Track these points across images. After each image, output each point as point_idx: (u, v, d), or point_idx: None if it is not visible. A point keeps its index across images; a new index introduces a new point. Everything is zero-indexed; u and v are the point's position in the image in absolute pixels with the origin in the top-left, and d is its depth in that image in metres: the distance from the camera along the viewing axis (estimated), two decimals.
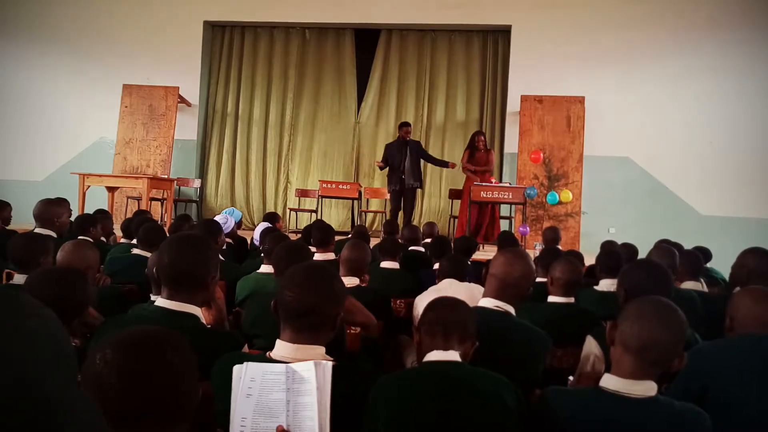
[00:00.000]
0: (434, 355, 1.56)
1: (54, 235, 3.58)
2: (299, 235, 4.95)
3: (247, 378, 1.27)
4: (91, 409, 0.64)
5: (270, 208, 8.64)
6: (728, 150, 7.78)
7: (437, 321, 1.60)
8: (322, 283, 1.51)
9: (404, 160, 7.21)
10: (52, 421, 0.57)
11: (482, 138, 7.27)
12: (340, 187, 7.58)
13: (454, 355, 1.55)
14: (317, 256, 3.36)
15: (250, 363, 1.32)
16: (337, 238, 3.84)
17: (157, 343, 0.96)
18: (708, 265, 4.19)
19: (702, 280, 3.30)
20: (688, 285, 3.10)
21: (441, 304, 1.67)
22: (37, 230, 3.56)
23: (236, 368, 1.32)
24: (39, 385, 0.57)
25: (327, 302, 1.49)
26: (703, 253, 3.89)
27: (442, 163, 7.61)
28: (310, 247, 3.09)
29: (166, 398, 0.92)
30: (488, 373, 1.52)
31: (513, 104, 8.17)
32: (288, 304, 1.48)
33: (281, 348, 1.48)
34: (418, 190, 7.72)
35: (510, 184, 7.45)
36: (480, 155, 7.18)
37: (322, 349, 1.49)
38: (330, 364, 1.33)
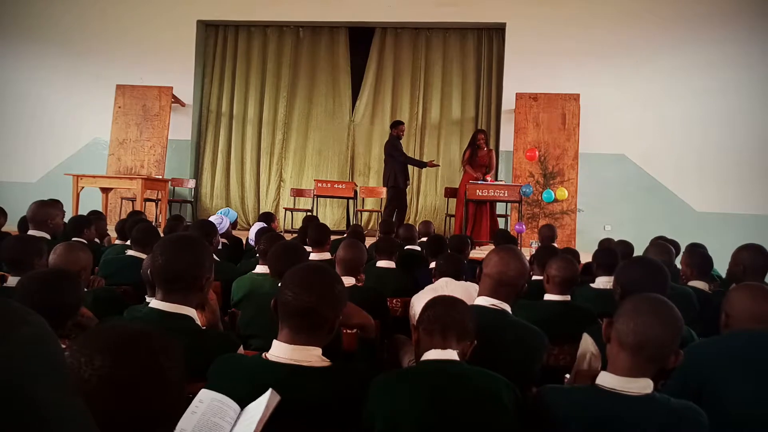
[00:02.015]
0: (432, 354, 1.55)
1: (48, 236, 3.56)
2: (294, 235, 4.94)
3: (197, 399, 1.29)
4: (83, 415, 0.63)
5: (265, 208, 8.63)
6: (724, 146, 7.79)
7: (435, 319, 1.59)
8: (323, 285, 1.50)
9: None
10: (43, 426, 0.56)
11: (483, 136, 7.28)
12: (336, 186, 7.57)
13: (451, 354, 1.55)
14: (313, 256, 3.35)
15: (204, 390, 1.34)
16: (332, 237, 3.84)
17: (150, 347, 0.89)
18: None
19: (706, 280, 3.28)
20: (694, 284, 3.09)
21: (440, 302, 1.66)
22: (31, 232, 3.54)
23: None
24: (30, 392, 0.56)
25: (326, 303, 1.48)
26: (696, 249, 3.89)
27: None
28: (305, 246, 3.09)
29: (155, 408, 0.87)
30: (486, 371, 1.52)
31: (508, 102, 8.17)
32: (288, 303, 1.47)
33: (278, 348, 1.47)
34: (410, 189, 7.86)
35: (504, 182, 7.47)
36: (482, 154, 7.18)
37: (318, 351, 1.48)
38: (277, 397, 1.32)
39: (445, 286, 2.72)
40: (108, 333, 0.89)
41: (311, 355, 1.46)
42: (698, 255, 3.26)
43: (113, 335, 0.88)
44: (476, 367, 1.53)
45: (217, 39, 9.13)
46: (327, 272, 1.57)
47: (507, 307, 2.02)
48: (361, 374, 1.51)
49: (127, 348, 0.86)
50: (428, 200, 8.82)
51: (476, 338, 1.63)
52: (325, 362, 1.47)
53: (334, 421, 1.43)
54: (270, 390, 1.31)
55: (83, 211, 5.30)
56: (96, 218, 4.42)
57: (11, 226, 4.49)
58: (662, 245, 3.47)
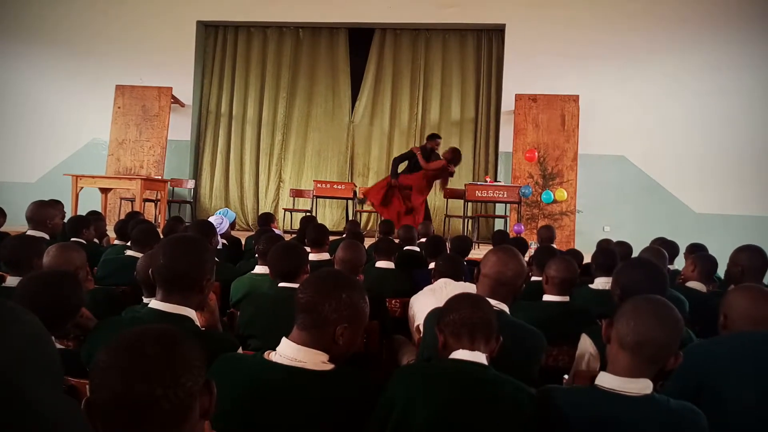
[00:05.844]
0: (460, 354, 1.53)
1: (47, 236, 3.55)
2: (293, 236, 4.94)
3: None
4: (76, 415, 0.63)
5: (264, 209, 8.63)
6: (724, 147, 7.80)
7: (462, 322, 1.56)
8: (334, 290, 1.48)
9: None
10: (36, 423, 0.56)
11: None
12: (335, 187, 7.56)
13: (480, 357, 1.53)
14: (312, 256, 3.34)
15: None
16: (331, 238, 3.84)
17: (180, 342, 0.95)
18: None
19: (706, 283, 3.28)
20: (691, 285, 3.10)
21: (464, 303, 1.62)
22: (30, 232, 3.53)
23: None
24: (23, 392, 0.56)
25: (329, 306, 1.45)
26: (699, 250, 3.90)
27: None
28: (304, 247, 3.08)
29: (188, 400, 0.92)
30: (511, 380, 1.50)
31: (507, 103, 8.18)
32: (297, 302, 1.49)
33: (283, 346, 1.46)
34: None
35: (503, 183, 7.47)
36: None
37: (324, 356, 1.46)
38: None
39: (444, 287, 2.72)
40: (142, 330, 0.95)
41: (315, 358, 1.44)
42: (704, 258, 3.25)
43: (147, 331, 0.95)
44: (503, 375, 1.51)
45: (216, 39, 9.13)
46: (341, 278, 1.54)
47: (505, 308, 2.02)
48: (363, 380, 1.49)
49: (162, 341, 0.93)
50: (428, 201, 8.80)
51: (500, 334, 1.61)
52: (327, 366, 1.46)
53: (331, 425, 1.41)
54: None
55: (82, 211, 5.30)
56: (95, 218, 4.41)
57: (11, 227, 4.49)
58: (655, 249, 3.47)
